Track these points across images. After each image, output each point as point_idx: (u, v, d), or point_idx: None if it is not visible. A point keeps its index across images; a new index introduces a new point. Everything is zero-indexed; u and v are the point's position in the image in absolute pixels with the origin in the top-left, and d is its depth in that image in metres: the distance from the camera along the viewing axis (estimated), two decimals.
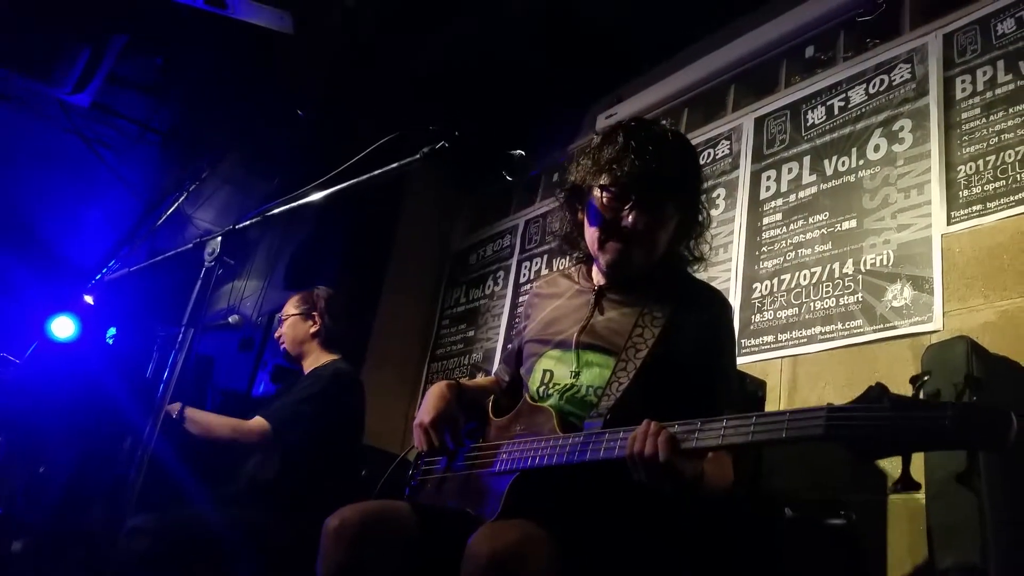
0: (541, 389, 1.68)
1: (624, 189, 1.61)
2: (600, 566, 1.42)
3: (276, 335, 3.01)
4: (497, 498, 1.47)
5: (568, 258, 1.88)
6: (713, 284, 3.06)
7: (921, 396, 1.00)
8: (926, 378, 0.97)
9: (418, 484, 1.79)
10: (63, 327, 3.80)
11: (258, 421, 2.61)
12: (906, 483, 0.99)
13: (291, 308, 2.99)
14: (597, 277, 1.78)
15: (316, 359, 2.92)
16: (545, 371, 1.69)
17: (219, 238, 1.85)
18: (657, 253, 1.67)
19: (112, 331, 4.29)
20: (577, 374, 1.64)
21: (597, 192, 1.65)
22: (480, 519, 1.47)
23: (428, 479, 1.77)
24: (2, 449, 3.05)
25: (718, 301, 1.71)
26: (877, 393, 1.01)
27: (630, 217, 1.60)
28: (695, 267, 1.78)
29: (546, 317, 1.80)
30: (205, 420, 2.61)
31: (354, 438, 2.88)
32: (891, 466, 2.29)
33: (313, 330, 2.94)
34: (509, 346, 1.98)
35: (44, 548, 2.81)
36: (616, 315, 1.68)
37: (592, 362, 1.63)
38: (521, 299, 4.16)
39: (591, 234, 1.69)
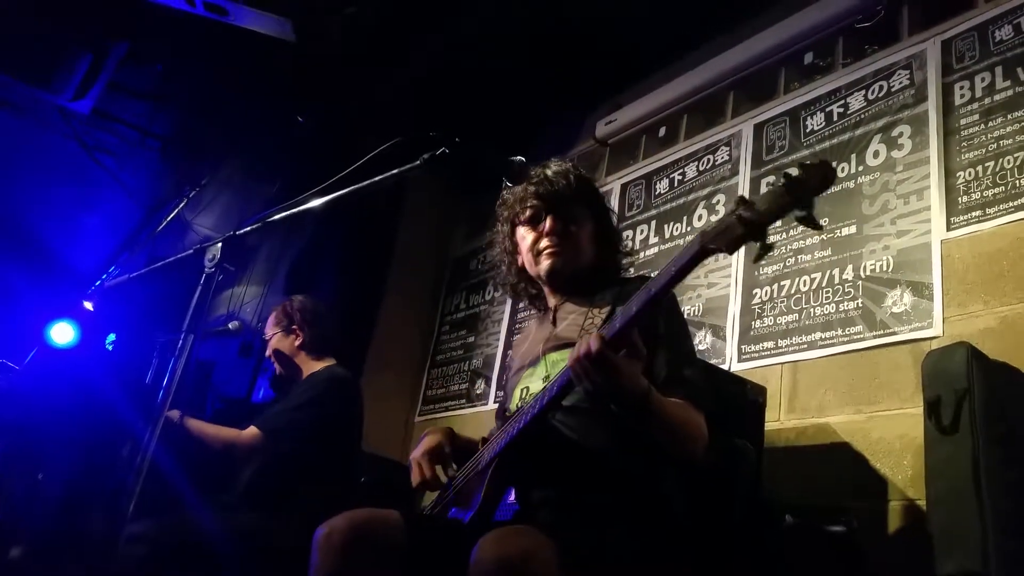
0: (520, 404, 1.77)
1: (537, 209, 1.87)
2: (602, 573, 1.42)
3: (267, 355, 3.02)
4: (479, 489, 1.55)
5: (521, 300, 2.08)
6: (713, 290, 3.08)
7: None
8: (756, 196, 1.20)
9: (428, 517, 1.84)
10: (63, 333, 3.79)
11: (251, 431, 2.61)
12: (764, 249, 1.20)
13: (271, 327, 3.00)
14: (550, 301, 1.93)
15: (310, 368, 2.93)
16: (522, 389, 1.81)
17: (219, 244, 1.84)
18: (583, 252, 1.86)
19: (112, 337, 4.28)
20: (547, 377, 1.73)
21: (520, 227, 1.93)
22: (469, 517, 1.53)
23: (435, 509, 1.83)
24: (1, 455, 3.05)
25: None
26: (734, 203, 1.21)
27: (548, 223, 1.84)
28: (629, 271, 1.98)
29: (520, 355, 1.97)
30: (200, 432, 2.61)
31: (351, 442, 2.88)
32: (891, 472, 2.29)
33: (298, 343, 2.96)
34: (498, 403, 2.11)
35: (42, 555, 2.80)
36: (571, 318, 1.81)
37: (557, 360, 1.74)
38: (521, 305, 4.16)
39: (528, 258, 1.91)
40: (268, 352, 3.01)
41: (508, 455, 1.58)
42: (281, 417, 2.67)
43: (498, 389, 4.02)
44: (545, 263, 1.84)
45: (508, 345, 4.11)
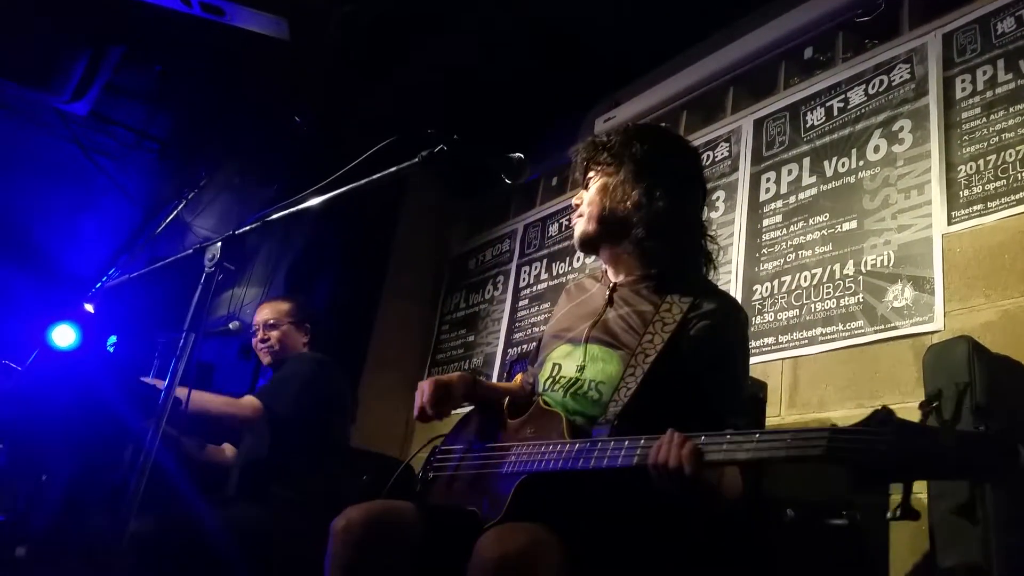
0: (548, 382, 1.70)
1: (581, 173, 1.87)
2: (606, 569, 1.42)
3: (262, 338, 2.98)
4: (503, 500, 1.48)
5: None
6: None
7: (929, 421, 0.98)
8: (935, 404, 0.94)
9: (431, 479, 1.79)
10: (64, 335, 3.79)
11: (250, 399, 2.63)
12: (906, 511, 0.97)
13: (285, 316, 3.01)
14: (611, 274, 1.82)
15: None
16: (555, 364, 1.72)
17: (219, 244, 1.84)
18: (591, 225, 1.78)
19: (113, 339, 4.28)
20: (582, 368, 1.65)
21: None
22: (486, 519, 1.48)
23: (440, 476, 1.77)
24: (4, 456, 3.05)
25: (730, 308, 1.68)
26: (883, 416, 1.00)
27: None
28: (707, 270, 1.79)
29: (565, 313, 1.86)
30: (200, 399, 2.61)
31: (341, 421, 2.89)
32: None
33: (304, 340, 3.00)
34: (535, 344, 2.04)
35: (46, 554, 2.80)
36: (627, 312, 1.69)
37: (597, 357, 1.65)
38: (521, 303, 4.16)
39: None
40: (265, 336, 2.97)
41: (540, 480, 1.47)
42: (274, 386, 2.72)
43: (508, 344, 4.08)
44: (575, 232, 1.82)
45: (508, 344, 4.11)
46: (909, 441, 0.97)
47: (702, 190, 1.85)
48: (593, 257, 1.92)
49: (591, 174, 1.81)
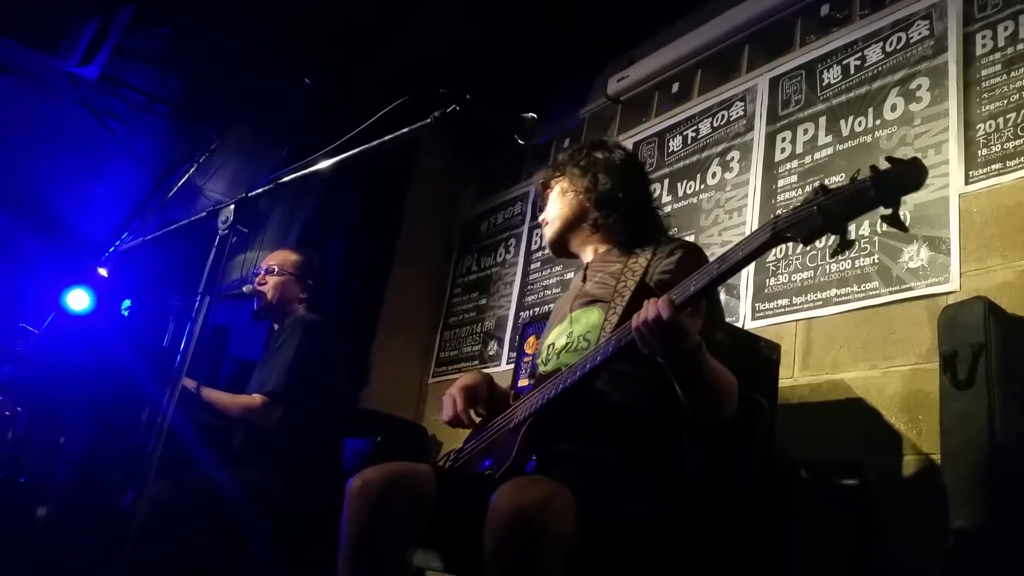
0: (546, 358, 1.82)
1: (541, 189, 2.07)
2: (617, 525, 1.44)
3: (260, 281, 2.94)
4: (512, 448, 1.56)
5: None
6: (727, 248, 3.04)
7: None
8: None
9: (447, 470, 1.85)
10: (78, 299, 3.82)
11: (258, 399, 2.60)
12: (845, 245, 1.12)
13: (289, 266, 2.96)
14: (583, 259, 1.98)
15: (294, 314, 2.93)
16: (548, 345, 1.85)
17: (232, 206, 1.84)
18: (555, 225, 1.95)
19: (127, 303, 4.31)
20: (570, 333, 1.78)
21: None
22: (497, 470, 1.55)
23: (456, 463, 1.84)
24: (23, 419, 3.09)
25: (685, 245, 1.81)
26: (813, 191, 1.15)
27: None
28: (670, 231, 2.01)
29: (554, 311, 2.04)
30: (219, 401, 2.61)
31: (338, 379, 2.86)
32: (906, 428, 2.29)
33: (301, 296, 2.95)
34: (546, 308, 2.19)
35: (65, 514, 2.86)
36: (600, 277, 1.84)
37: (580, 317, 1.78)
38: (533, 266, 4.16)
39: None
40: (262, 280, 2.94)
41: (546, 413, 1.59)
42: (271, 368, 2.66)
43: (520, 308, 4.11)
44: (544, 242, 2.01)
45: (520, 307, 4.12)
46: (833, 198, 1.11)
47: (642, 174, 2.05)
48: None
49: (547, 192, 2.01)
